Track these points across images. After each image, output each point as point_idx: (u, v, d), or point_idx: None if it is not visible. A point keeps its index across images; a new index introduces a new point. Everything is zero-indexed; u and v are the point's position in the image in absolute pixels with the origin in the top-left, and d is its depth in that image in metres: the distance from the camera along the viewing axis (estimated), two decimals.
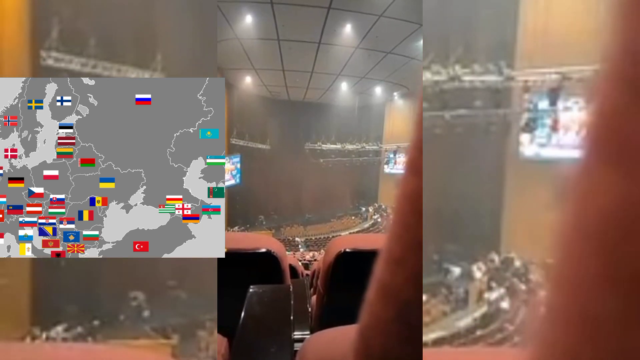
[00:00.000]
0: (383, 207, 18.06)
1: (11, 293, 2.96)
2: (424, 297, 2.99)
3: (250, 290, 1.14)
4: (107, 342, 2.80)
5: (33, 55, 2.84)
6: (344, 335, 0.92)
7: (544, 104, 2.97)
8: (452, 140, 2.73)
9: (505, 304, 2.82)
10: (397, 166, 16.72)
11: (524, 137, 3.02)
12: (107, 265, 3.36)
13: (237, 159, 15.31)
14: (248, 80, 14.63)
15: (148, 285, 3.37)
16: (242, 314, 0.99)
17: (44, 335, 2.87)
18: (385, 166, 17.49)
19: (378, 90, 15.97)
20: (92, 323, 2.94)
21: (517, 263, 2.90)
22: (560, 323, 0.18)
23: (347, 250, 1.46)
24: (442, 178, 2.75)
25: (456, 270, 2.79)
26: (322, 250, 11.82)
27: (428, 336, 2.76)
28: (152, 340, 2.85)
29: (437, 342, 2.77)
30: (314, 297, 1.90)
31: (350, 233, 15.57)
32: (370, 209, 18.57)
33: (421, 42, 9.89)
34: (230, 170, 14.83)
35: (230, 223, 15.92)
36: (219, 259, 1.33)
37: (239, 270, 1.40)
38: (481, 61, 2.69)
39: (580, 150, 0.18)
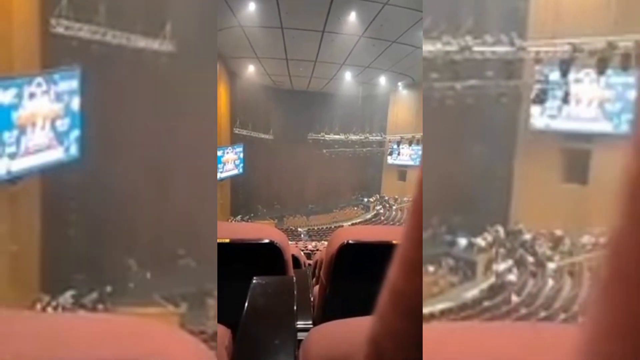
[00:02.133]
0: (386, 198, 18.05)
1: (21, 260, 2.99)
2: (431, 269, 3.01)
3: (254, 281, 1.12)
4: (116, 310, 2.84)
5: (43, 23, 2.84)
6: (347, 328, 0.92)
7: (555, 76, 2.95)
8: (462, 110, 2.72)
9: (512, 276, 2.83)
10: (400, 157, 16.66)
11: (535, 109, 3.00)
12: (114, 234, 3.40)
13: (240, 149, 15.30)
14: (251, 69, 14.56)
15: (155, 253, 3.39)
16: (246, 305, 0.98)
17: (53, 303, 2.91)
18: (389, 157, 17.43)
19: (382, 79, 15.86)
20: (102, 290, 2.98)
21: (527, 235, 2.90)
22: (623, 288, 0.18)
23: (350, 241, 1.46)
24: (451, 149, 2.74)
25: (464, 242, 2.80)
26: (323, 241, 11.85)
27: (435, 307, 2.77)
28: (161, 309, 2.89)
29: (445, 313, 2.79)
30: (316, 287, 1.90)
31: (352, 224, 15.58)
32: (373, 200, 18.58)
33: None
34: (234, 160, 14.82)
35: (233, 212, 15.95)
36: (222, 250, 1.35)
37: (242, 260, 1.41)
38: (493, 32, 2.66)
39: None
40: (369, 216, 17.57)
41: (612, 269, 0.19)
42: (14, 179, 3.26)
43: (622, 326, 0.17)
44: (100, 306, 3.18)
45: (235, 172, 15.00)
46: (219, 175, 13.25)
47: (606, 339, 0.18)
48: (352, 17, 10.05)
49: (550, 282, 3.43)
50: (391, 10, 9.39)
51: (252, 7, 9.65)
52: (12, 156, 3.28)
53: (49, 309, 2.90)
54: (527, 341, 0.49)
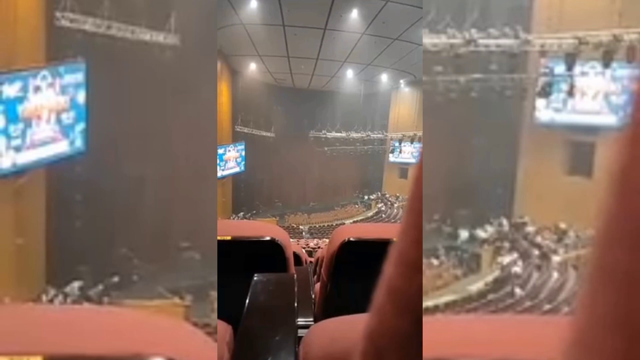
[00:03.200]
0: (387, 195, 18.06)
1: (27, 253, 3.00)
2: (435, 262, 3.01)
3: (255, 278, 1.14)
4: (121, 302, 2.85)
5: (48, 16, 2.84)
6: (347, 325, 0.94)
7: (560, 69, 2.94)
8: (466, 104, 2.72)
9: (517, 269, 2.83)
10: (402, 155, 16.66)
11: (540, 102, 3.00)
12: (119, 226, 3.40)
13: (242, 147, 15.31)
14: (253, 67, 14.55)
15: (159, 245, 3.39)
16: (247, 302, 0.99)
17: (60, 295, 2.91)
18: (390, 155, 17.43)
19: (384, 77, 15.84)
20: (107, 282, 2.98)
21: (531, 228, 2.90)
22: (611, 284, 0.18)
23: (352, 239, 1.47)
24: (454, 142, 2.74)
25: (468, 235, 2.80)
26: (324, 239, 11.86)
27: (440, 299, 2.78)
28: (166, 301, 2.89)
29: (449, 306, 2.80)
30: (317, 285, 1.91)
31: (354, 221, 15.58)
32: (374, 197, 18.59)
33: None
34: (235, 157, 14.83)
35: (234, 210, 15.97)
36: (224, 247, 1.36)
37: (244, 257, 1.43)
38: (498, 25, 2.66)
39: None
40: (370, 214, 17.58)
41: (600, 262, 0.19)
42: (19, 172, 3.27)
43: (612, 319, 0.17)
44: (105, 298, 3.19)
45: (236, 169, 15.01)
46: (221, 173, 13.26)
47: (596, 331, 0.18)
48: (354, 14, 10.04)
49: (555, 275, 3.44)
50: (393, 7, 9.38)
51: (253, 4, 9.64)
52: (18, 149, 3.28)
53: (56, 301, 2.91)
54: (530, 334, 0.49)
